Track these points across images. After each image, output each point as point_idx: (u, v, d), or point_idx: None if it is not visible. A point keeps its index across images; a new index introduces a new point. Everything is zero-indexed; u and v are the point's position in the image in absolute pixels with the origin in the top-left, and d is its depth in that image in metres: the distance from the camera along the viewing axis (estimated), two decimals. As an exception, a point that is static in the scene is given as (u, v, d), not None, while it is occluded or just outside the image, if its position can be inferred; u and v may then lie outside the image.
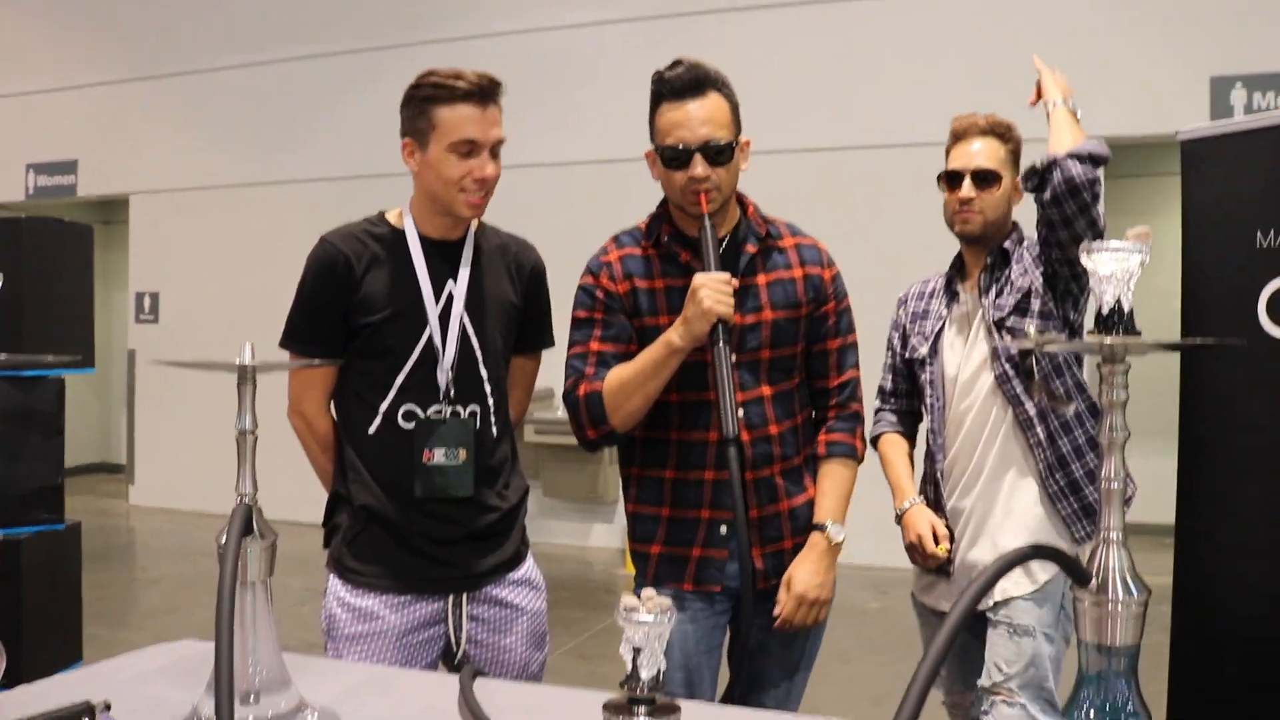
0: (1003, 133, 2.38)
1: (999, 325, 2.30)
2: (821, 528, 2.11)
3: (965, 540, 2.35)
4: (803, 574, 2.08)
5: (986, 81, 6.53)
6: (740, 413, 2.06)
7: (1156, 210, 7.87)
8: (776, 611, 2.08)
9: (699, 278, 1.95)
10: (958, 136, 2.41)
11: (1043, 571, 2.22)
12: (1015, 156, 2.40)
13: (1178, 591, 2.07)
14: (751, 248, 2.13)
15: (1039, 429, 2.25)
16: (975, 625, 2.31)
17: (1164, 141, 6.74)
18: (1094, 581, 1.00)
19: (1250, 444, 1.90)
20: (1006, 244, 2.37)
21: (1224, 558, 1.97)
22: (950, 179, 2.39)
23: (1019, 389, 2.26)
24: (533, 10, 8.16)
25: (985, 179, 2.34)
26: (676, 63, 2.04)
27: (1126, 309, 0.97)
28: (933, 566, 2.40)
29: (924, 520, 2.40)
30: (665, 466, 2.14)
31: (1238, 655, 1.96)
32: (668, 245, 2.13)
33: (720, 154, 2.01)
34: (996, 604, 2.26)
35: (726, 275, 1.97)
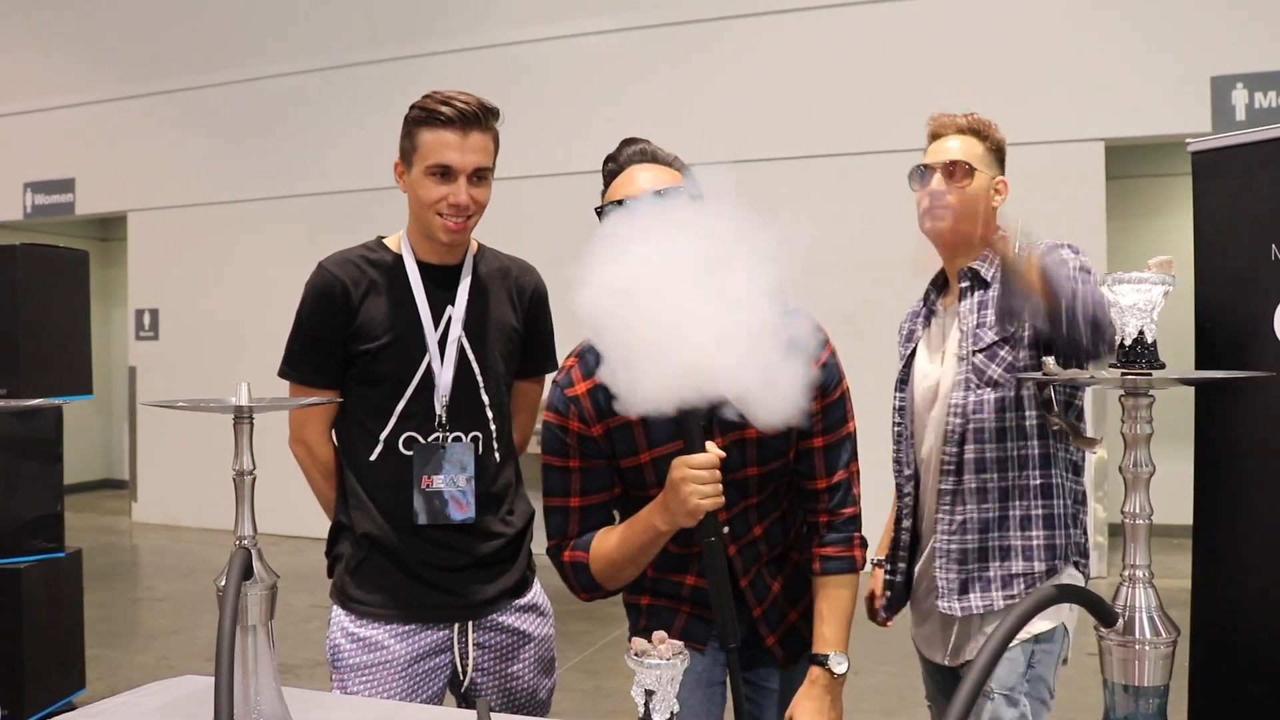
0: (980, 129, 2.21)
1: (970, 360, 2.10)
2: (822, 661, 1.90)
3: (935, 583, 2.21)
4: (805, 715, 1.88)
5: (989, 82, 6.52)
6: (725, 530, 1.88)
7: (1159, 210, 7.85)
8: None
9: (679, 468, 1.69)
10: (934, 136, 2.26)
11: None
12: (995, 156, 2.22)
13: (1195, 607, 2.03)
14: (722, 455, 1.79)
15: (1006, 469, 2.08)
16: (948, 683, 2.22)
17: (1166, 142, 6.77)
18: (1120, 621, 0.97)
19: (1267, 456, 1.87)
20: (982, 265, 2.15)
21: (1242, 573, 1.93)
22: (920, 174, 2.22)
23: (987, 427, 2.08)
24: (534, 22, 8.14)
25: (956, 172, 2.16)
26: (627, 142, 1.92)
27: (1150, 340, 0.94)
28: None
29: (869, 586, 2.36)
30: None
31: (1258, 672, 1.92)
32: None
33: None
34: (959, 664, 2.14)
35: (711, 458, 1.70)
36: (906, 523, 2.27)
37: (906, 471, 2.27)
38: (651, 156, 1.89)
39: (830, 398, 1.90)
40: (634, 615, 2.07)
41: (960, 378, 2.11)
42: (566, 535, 1.92)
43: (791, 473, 1.97)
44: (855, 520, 1.98)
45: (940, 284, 2.32)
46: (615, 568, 1.88)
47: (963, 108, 2.29)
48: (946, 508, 2.13)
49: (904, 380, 2.31)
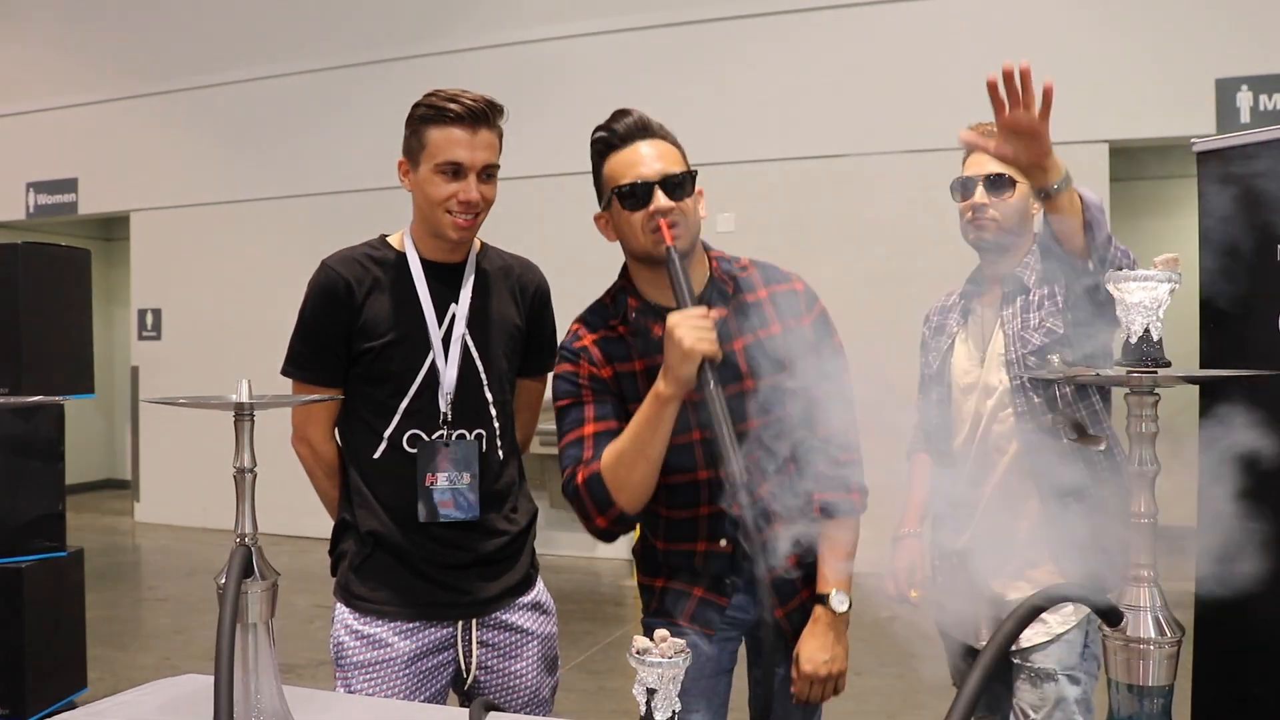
0: None
1: (1022, 362, 2.16)
2: (824, 599, 2.00)
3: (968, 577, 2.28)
4: (810, 651, 1.99)
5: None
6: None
7: (1163, 213, 7.83)
8: (793, 690, 2.02)
9: (673, 317, 1.80)
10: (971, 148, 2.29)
11: (1059, 624, 2.16)
12: None
13: (1199, 610, 2.03)
14: (718, 310, 1.94)
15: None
16: (1001, 670, 2.25)
17: (1170, 144, 6.75)
18: (1125, 621, 0.97)
19: (1272, 458, 1.86)
20: (1024, 272, 2.23)
21: (1246, 576, 1.92)
22: (962, 186, 2.28)
23: (1039, 426, 2.15)
24: (533, 22, 8.14)
25: (998, 184, 2.21)
26: (621, 113, 1.98)
27: (1156, 338, 0.93)
28: (898, 601, 2.39)
29: (905, 558, 2.38)
30: (658, 536, 2.08)
31: (1261, 674, 1.92)
32: (637, 321, 2.00)
33: (679, 186, 1.91)
34: (1016, 650, 2.18)
35: (702, 309, 1.82)
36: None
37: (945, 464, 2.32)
38: (649, 129, 1.95)
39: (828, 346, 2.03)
40: (647, 597, 2.13)
41: (1017, 383, 2.17)
42: (580, 460, 1.94)
43: (795, 430, 2.03)
44: (852, 465, 2.03)
45: (977, 281, 2.36)
46: (625, 463, 1.88)
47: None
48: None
49: (939, 375, 2.35)
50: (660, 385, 1.83)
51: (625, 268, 2.06)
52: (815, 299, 2.06)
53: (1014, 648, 2.16)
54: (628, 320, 2.00)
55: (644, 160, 1.91)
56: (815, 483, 2.04)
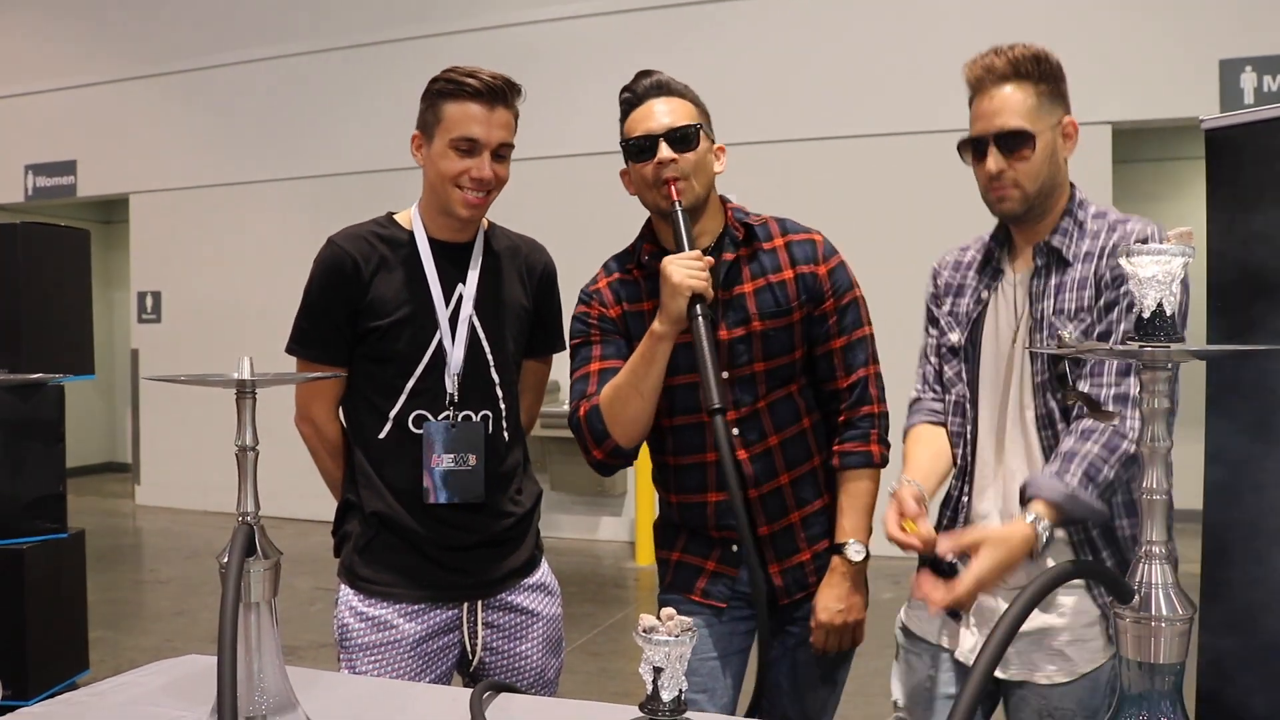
0: (1030, 71, 1.81)
1: (1046, 360, 1.83)
2: (840, 549, 2.03)
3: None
4: (826, 600, 2.02)
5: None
6: (735, 431, 2.02)
7: (1167, 195, 7.82)
8: (811, 640, 2.04)
9: (666, 259, 1.90)
10: (974, 88, 1.87)
11: (1085, 661, 1.83)
12: (1054, 94, 1.84)
13: (1204, 592, 2.02)
14: (728, 255, 2.03)
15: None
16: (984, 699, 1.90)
17: (1173, 125, 6.73)
18: (1136, 598, 0.96)
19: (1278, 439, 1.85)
20: (1062, 240, 1.86)
21: (1252, 558, 1.92)
22: (972, 148, 1.86)
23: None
24: (538, 2, 8.09)
25: (1014, 142, 1.80)
26: (643, 74, 2.07)
27: (1169, 313, 0.92)
28: (901, 546, 1.83)
29: (896, 502, 1.86)
30: (670, 490, 2.13)
31: (1267, 659, 1.91)
32: (649, 265, 2.05)
33: (685, 139, 1.98)
34: (1029, 684, 1.85)
35: (696, 252, 1.92)
36: (965, 499, 1.97)
37: (965, 449, 1.98)
38: (667, 88, 2.04)
39: (845, 299, 2.07)
40: (663, 571, 2.18)
41: (1039, 380, 1.86)
42: (585, 395, 2.04)
43: (807, 381, 2.10)
44: (873, 418, 2.08)
45: (1003, 240, 1.98)
46: (621, 397, 1.98)
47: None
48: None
49: (965, 348, 1.99)
50: (655, 324, 1.93)
51: (649, 219, 2.13)
52: (834, 251, 2.10)
53: (1031, 681, 1.85)
54: (642, 264, 2.08)
55: (654, 116, 2.00)
56: (832, 432, 2.10)
